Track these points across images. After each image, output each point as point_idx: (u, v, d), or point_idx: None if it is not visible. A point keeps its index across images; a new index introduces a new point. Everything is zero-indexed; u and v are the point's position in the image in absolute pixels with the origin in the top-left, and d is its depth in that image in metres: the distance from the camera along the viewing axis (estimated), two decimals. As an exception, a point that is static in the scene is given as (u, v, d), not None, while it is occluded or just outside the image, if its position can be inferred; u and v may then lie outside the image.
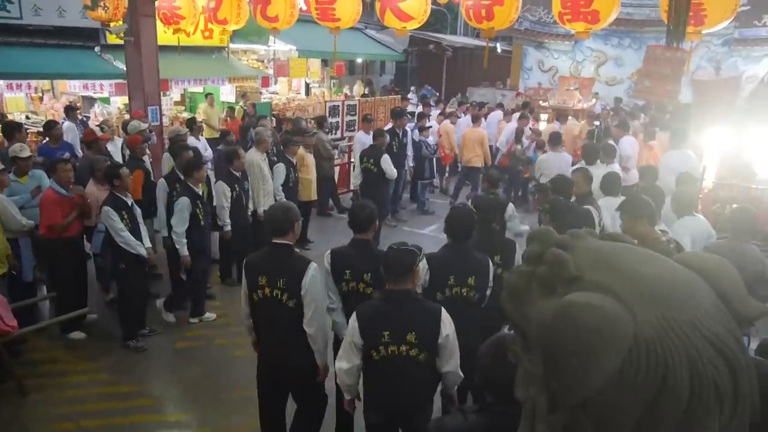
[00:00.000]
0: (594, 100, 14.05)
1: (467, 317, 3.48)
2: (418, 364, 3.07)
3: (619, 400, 1.08)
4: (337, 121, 10.98)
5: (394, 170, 8.26)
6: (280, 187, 7.56)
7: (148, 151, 7.62)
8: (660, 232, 4.08)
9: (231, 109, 13.16)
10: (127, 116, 10.75)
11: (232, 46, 15.42)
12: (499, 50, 21.93)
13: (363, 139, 9.09)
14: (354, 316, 3.16)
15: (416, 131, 10.08)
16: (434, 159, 10.64)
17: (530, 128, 10.86)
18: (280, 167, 7.66)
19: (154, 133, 9.84)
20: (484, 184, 6.47)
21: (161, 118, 10.88)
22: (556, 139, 8.80)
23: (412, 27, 7.15)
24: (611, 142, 8.76)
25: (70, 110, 10.63)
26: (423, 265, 3.54)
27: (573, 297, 1.15)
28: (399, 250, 3.15)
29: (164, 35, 9.80)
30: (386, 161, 8.11)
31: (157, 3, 9.18)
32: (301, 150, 8.37)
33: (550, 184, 5.60)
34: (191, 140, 8.95)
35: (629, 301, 1.10)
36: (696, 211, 7.81)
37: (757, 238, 6.91)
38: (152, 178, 7.15)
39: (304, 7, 10.02)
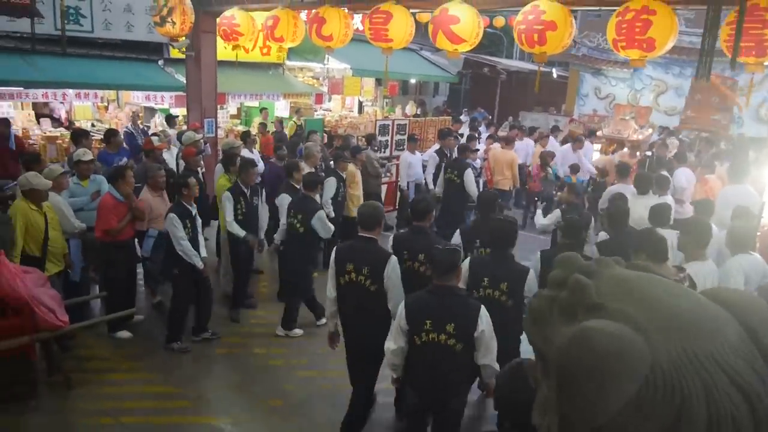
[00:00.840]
0: (650, 130, 13.70)
1: (497, 320, 3.63)
2: (454, 354, 3.42)
3: (634, 428, 1.07)
4: (387, 140, 11.09)
5: (475, 189, 8.33)
6: (330, 201, 7.68)
7: (202, 163, 7.86)
8: (673, 269, 3.95)
9: (263, 125, 13.07)
10: (184, 127, 11.17)
11: (288, 63, 15.85)
12: (554, 75, 21.72)
13: (409, 158, 9.15)
14: (403, 303, 3.59)
15: None
16: (480, 182, 10.57)
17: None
18: (331, 181, 7.79)
19: (208, 144, 10.20)
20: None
21: (216, 130, 11.26)
22: (623, 171, 8.47)
23: (464, 49, 7.17)
24: (665, 173, 8.53)
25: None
26: (465, 265, 4.07)
27: (591, 323, 1.15)
28: (445, 250, 3.56)
29: (224, 51, 10.16)
30: (469, 175, 8.26)
31: (218, 20, 9.52)
32: (351, 166, 8.50)
33: (606, 215, 5.53)
34: (245, 152, 9.22)
35: (649, 331, 1.10)
36: (753, 249, 7.57)
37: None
38: (205, 190, 7.43)
39: (360, 27, 10.24)
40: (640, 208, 6.17)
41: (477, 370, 3.60)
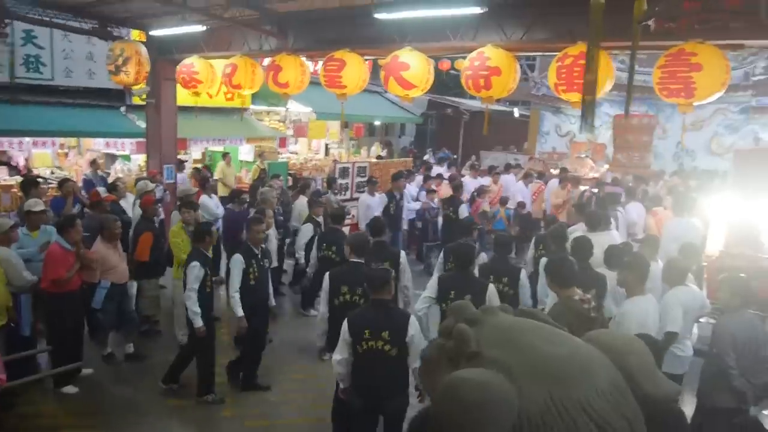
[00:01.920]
0: (606, 166, 14.09)
1: None
2: (390, 358, 3.90)
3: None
4: (347, 183, 11.19)
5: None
6: (304, 245, 7.72)
7: (160, 211, 7.81)
8: (579, 292, 4.07)
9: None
10: (145, 173, 11.12)
11: (254, 107, 16.00)
12: (516, 114, 22.26)
13: (368, 201, 9.24)
14: (346, 319, 4.05)
15: (423, 193, 10.20)
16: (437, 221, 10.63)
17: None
18: (308, 227, 7.88)
19: (167, 191, 10.16)
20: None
21: (176, 177, 11.24)
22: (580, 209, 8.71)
23: (415, 94, 7.36)
24: (620, 208, 8.77)
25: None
26: (433, 281, 5.00)
27: (460, 373, 1.18)
28: (378, 269, 4.22)
29: (187, 96, 10.23)
30: (463, 210, 9.42)
31: (177, 67, 9.62)
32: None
33: (571, 246, 5.64)
34: (203, 198, 9.20)
35: (520, 379, 1.13)
36: (701, 280, 7.76)
37: (753, 307, 6.78)
38: (163, 239, 7.34)
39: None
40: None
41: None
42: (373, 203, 8.99)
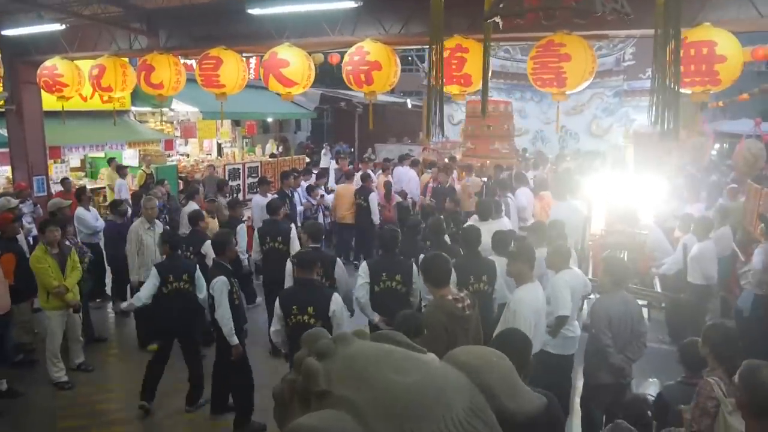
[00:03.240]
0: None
1: (396, 304, 4.71)
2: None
3: None
4: (239, 184, 10.78)
5: (377, 214, 9.54)
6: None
7: (20, 230, 7.07)
8: (454, 290, 4.14)
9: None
10: (11, 188, 10.15)
11: (136, 109, 15.07)
12: (409, 105, 22.54)
13: (261, 202, 8.90)
14: (278, 297, 4.51)
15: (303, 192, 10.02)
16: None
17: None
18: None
19: (39, 206, 9.31)
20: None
21: (49, 188, 10.35)
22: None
23: (296, 92, 7.16)
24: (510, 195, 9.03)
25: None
26: (364, 266, 5.26)
27: (302, 419, 1.08)
28: (307, 251, 4.83)
29: (56, 101, 9.37)
30: (373, 199, 9.62)
31: (38, 70, 8.81)
32: (210, 218, 8.09)
33: (461, 236, 5.71)
34: (80, 211, 8.49)
35: (370, 417, 1.06)
36: (587, 258, 8.16)
37: (633, 281, 7.24)
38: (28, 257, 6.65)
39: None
40: (483, 234, 6.38)
41: None
42: (263, 203, 8.70)
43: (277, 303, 4.46)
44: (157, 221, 7.29)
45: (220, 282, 5.01)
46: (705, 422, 2.94)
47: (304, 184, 10.26)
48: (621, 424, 3.03)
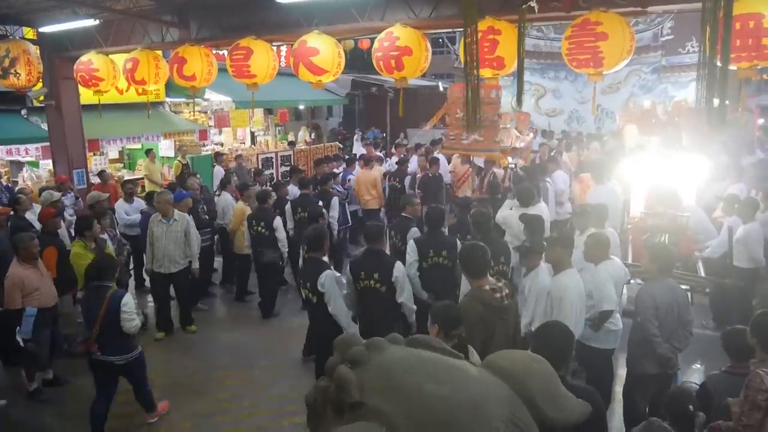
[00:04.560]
0: (531, 135, 14.24)
1: (444, 279, 5.35)
2: (381, 293, 4.84)
3: None
4: (272, 173, 10.83)
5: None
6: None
7: (62, 224, 7.22)
8: (492, 280, 4.03)
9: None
10: (53, 181, 10.41)
11: (170, 100, 15.25)
12: (441, 88, 22.26)
13: (292, 191, 8.95)
14: (348, 263, 5.14)
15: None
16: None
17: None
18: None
19: (80, 198, 9.52)
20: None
21: (88, 180, 10.59)
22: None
23: (327, 80, 7.12)
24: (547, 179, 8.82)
25: None
26: (412, 245, 5.53)
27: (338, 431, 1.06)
28: (374, 225, 5.33)
29: (93, 95, 9.54)
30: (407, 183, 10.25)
31: (75, 65, 8.96)
32: (240, 204, 8.19)
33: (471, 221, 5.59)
34: (118, 204, 8.69)
35: (404, 431, 1.02)
36: (626, 242, 7.94)
37: (676, 266, 7.01)
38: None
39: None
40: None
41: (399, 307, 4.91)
42: (297, 192, 8.72)
43: (347, 269, 5.09)
44: (188, 216, 7.34)
45: (329, 277, 4.87)
46: (755, 416, 2.82)
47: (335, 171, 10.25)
48: (654, 423, 2.94)
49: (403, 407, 1.05)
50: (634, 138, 13.45)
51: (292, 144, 15.42)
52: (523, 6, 2.29)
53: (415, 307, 4.97)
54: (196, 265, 7.32)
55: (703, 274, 7.57)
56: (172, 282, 7.26)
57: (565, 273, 4.45)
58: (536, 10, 2.31)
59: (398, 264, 4.92)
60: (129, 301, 4.88)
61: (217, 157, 12.66)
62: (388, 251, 5.89)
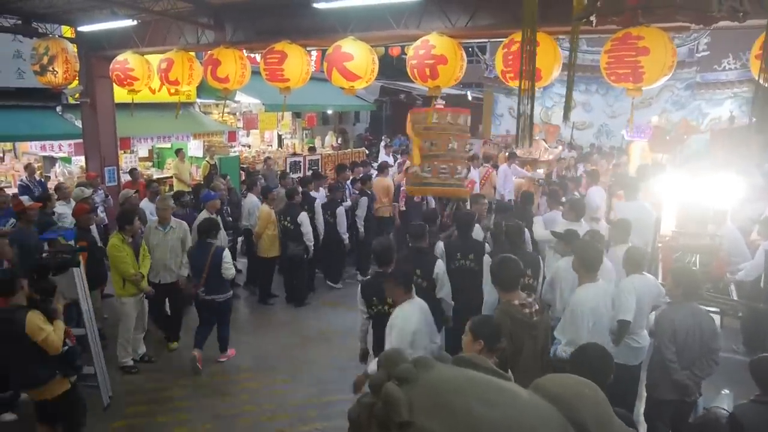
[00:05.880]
0: (560, 148, 14.11)
1: (469, 282, 5.42)
2: (424, 289, 4.87)
3: None
4: (299, 177, 10.84)
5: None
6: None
7: (95, 220, 7.31)
8: (523, 295, 3.96)
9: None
10: (84, 177, 10.55)
11: (201, 101, 15.41)
12: (469, 97, 22.17)
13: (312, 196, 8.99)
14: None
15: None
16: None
17: None
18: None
19: (110, 196, 9.64)
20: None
21: (119, 178, 10.73)
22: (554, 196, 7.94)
23: (360, 86, 7.12)
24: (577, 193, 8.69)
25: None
26: (440, 246, 5.74)
27: None
28: (417, 224, 5.62)
29: (127, 93, 9.67)
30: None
31: (111, 65, 9.10)
32: (265, 207, 8.23)
33: (505, 232, 5.51)
34: (143, 203, 8.75)
35: None
36: (656, 262, 7.76)
37: (706, 287, 6.84)
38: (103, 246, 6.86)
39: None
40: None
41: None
42: (317, 198, 8.76)
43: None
44: (185, 223, 7.04)
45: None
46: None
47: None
48: None
49: (453, 429, 1.02)
50: (645, 155, 13.29)
51: (312, 149, 15.41)
52: (583, 19, 2.23)
53: (453, 302, 5.20)
54: (184, 273, 6.77)
55: (735, 297, 7.38)
56: (167, 293, 6.88)
57: (584, 287, 4.36)
58: (594, 24, 2.25)
59: (439, 262, 5.22)
60: (228, 254, 6.39)
61: (266, 160, 12.84)
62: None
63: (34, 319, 4.17)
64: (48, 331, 4.18)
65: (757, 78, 2.51)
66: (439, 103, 12.58)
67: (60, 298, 4.63)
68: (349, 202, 9.36)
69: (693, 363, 4.26)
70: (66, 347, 4.30)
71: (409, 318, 4.07)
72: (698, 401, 4.51)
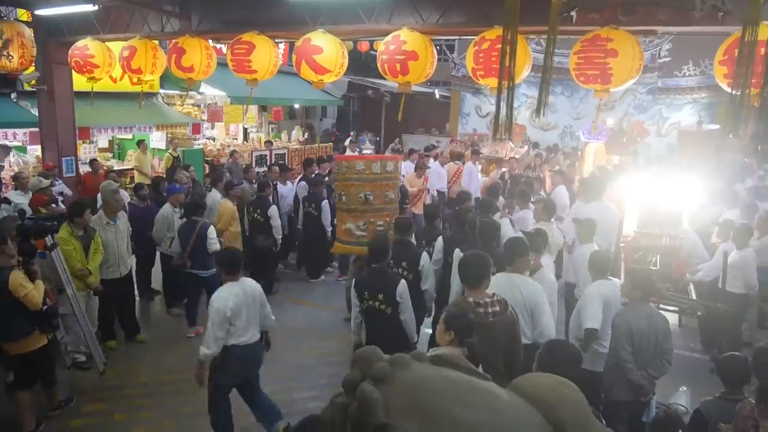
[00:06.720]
0: (525, 147, 14.27)
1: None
2: (385, 314, 4.63)
3: None
4: (265, 172, 10.67)
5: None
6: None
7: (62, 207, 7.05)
8: (489, 293, 3.85)
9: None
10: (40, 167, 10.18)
11: (166, 91, 15.04)
12: (437, 96, 22.24)
13: (280, 190, 8.87)
14: (353, 283, 4.86)
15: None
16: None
17: None
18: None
19: (67, 186, 9.33)
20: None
21: (77, 169, 10.38)
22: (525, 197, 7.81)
23: (329, 80, 7.02)
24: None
25: None
26: (440, 241, 5.78)
27: None
28: (379, 240, 4.99)
29: (87, 82, 9.33)
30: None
31: (70, 51, 8.77)
32: (227, 202, 8.01)
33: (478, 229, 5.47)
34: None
35: None
36: (619, 262, 7.88)
37: (666, 287, 7.01)
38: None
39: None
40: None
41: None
42: (285, 192, 8.64)
43: (352, 288, 4.99)
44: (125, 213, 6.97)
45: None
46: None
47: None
48: None
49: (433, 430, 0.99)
50: (600, 156, 13.58)
51: (268, 143, 15.08)
52: (564, 15, 2.22)
53: (435, 294, 5.44)
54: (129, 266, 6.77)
55: (694, 297, 7.56)
56: (124, 287, 6.73)
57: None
58: (573, 20, 2.24)
59: (424, 254, 5.41)
60: (213, 230, 6.76)
61: (233, 154, 12.67)
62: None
63: (17, 277, 4.59)
64: (29, 288, 4.61)
65: (725, 83, 2.53)
66: (368, 149, 12.57)
67: (45, 283, 4.94)
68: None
69: (648, 363, 4.30)
70: (45, 306, 4.75)
71: (227, 298, 4.48)
72: (651, 401, 4.57)
